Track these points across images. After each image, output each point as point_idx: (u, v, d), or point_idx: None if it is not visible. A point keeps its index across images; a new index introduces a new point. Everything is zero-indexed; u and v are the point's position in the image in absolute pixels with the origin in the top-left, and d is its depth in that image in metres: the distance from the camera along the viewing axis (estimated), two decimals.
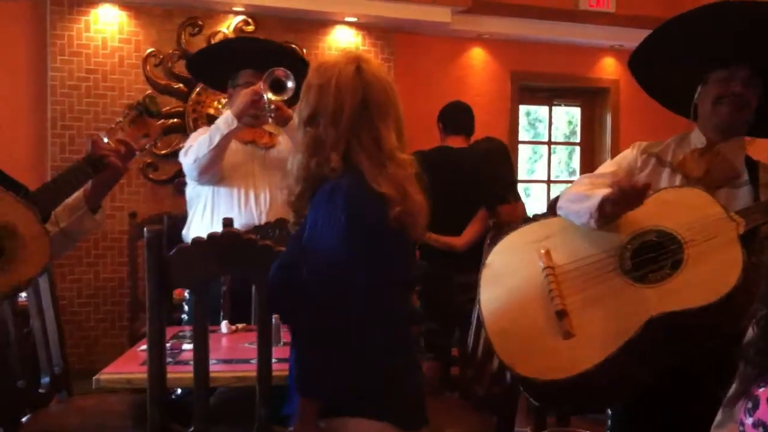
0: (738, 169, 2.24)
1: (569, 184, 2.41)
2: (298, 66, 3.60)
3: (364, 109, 1.77)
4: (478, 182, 4.05)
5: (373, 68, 1.79)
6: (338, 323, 1.66)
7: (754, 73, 2.21)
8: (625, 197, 2.04)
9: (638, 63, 2.38)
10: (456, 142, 4.17)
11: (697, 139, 2.29)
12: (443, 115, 4.26)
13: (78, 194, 2.04)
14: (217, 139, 3.23)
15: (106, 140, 2.07)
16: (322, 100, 1.77)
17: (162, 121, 5.27)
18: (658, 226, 2.12)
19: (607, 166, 2.40)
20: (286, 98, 3.25)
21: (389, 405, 1.75)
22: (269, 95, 3.21)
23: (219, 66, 3.58)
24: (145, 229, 2.04)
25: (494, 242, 2.54)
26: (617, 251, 2.14)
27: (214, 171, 3.34)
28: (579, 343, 2.05)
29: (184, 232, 3.48)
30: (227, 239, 2.07)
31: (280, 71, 3.23)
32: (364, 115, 1.77)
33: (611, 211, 2.09)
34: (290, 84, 3.22)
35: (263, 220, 3.33)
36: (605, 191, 2.11)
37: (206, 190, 3.40)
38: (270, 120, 3.33)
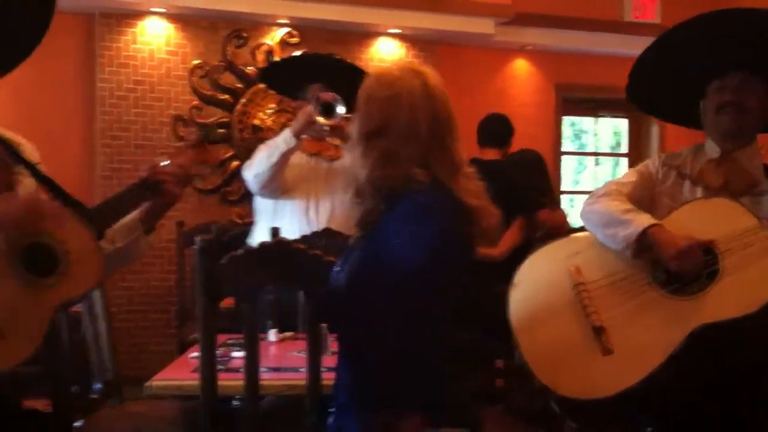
0: (756, 177, 2.22)
1: (597, 188, 2.38)
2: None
3: (436, 124, 1.77)
4: (511, 193, 4.04)
5: (436, 81, 1.81)
6: (421, 334, 1.66)
7: (749, 76, 2.19)
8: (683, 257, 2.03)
9: (639, 78, 2.37)
10: (489, 154, 4.16)
11: (711, 149, 2.28)
12: (479, 128, 4.26)
13: (134, 215, 2.05)
14: (276, 156, 3.31)
15: (166, 162, 2.08)
16: (393, 113, 1.77)
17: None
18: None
19: (630, 175, 2.38)
20: (336, 122, 3.29)
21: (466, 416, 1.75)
22: (320, 119, 3.27)
23: (291, 77, 3.63)
24: (197, 238, 2.07)
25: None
26: (649, 264, 2.12)
27: (274, 186, 3.40)
28: (619, 359, 2.03)
29: (248, 241, 3.55)
30: (277, 248, 2.09)
31: (327, 95, 3.28)
32: (437, 129, 1.78)
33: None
34: (339, 108, 3.27)
35: None
36: (643, 219, 2.09)
37: (270, 201, 3.46)
38: (330, 136, 3.39)
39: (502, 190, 3.98)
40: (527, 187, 4.15)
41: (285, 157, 3.33)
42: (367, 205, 1.82)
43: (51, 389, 2.46)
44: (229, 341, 2.81)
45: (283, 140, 3.34)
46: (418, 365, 1.65)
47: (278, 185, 3.42)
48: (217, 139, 2.20)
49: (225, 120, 5.47)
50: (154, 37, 5.34)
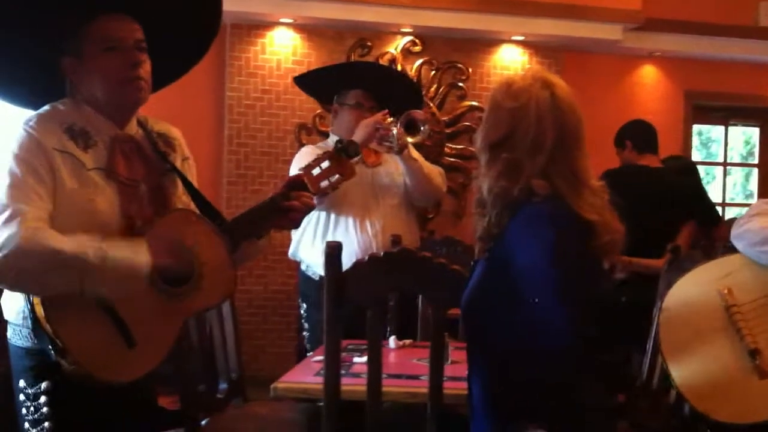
0: None
1: (746, 208, 2.30)
2: (409, 92, 3.64)
3: (562, 137, 1.74)
4: (680, 201, 3.93)
5: (565, 93, 1.77)
6: (550, 344, 1.63)
7: None
8: None
9: None
10: (651, 161, 4.06)
11: None
12: (633, 134, 4.15)
13: None
14: None
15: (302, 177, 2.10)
16: (519, 124, 1.74)
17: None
18: None
19: None
20: (417, 140, 3.28)
21: None
22: (407, 138, 3.26)
23: (329, 81, 3.64)
24: (325, 243, 2.10)
25: (672, 269, 2.44)
26: None
27: (330, 200, 3.33)
28: None
29: (291, 251, 3.54)
30: (403, 256, 2.09)
31: (418, 114, 3.26)
32: (562, 142, 1.75)
33: None
34: (424, 129, 3.25)
35: (378, 240, 3.34)
36: None
37: (321, 212, 3.44)
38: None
39: (667, 199, 3.91)
40: (699, 197, 4.07)
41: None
42: (490, 217, 1.80)
43: (179, 387, 2.55)
44: (350, 346, 2.83)
45: None
46: (548, 376, 1.62)
47: (332, 205, 3.35)
48: (358, 153, 2.19)
49: None
50: (282, 47, 5.48)
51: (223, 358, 2.90)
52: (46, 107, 1.90)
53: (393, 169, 3.48)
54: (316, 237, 3.41)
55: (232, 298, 2.98)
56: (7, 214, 1.70)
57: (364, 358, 2.28)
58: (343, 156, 2.11)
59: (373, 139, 3.30)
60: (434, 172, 3.51)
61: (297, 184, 2.07)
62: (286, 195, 2.03)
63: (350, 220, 3.37)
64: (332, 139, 3.39)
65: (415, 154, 3.41)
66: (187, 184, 2.03)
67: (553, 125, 1.73)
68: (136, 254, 1.77)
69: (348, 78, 3.59)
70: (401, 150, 3.33)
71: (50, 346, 1.71)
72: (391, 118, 3.30)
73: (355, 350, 2.73)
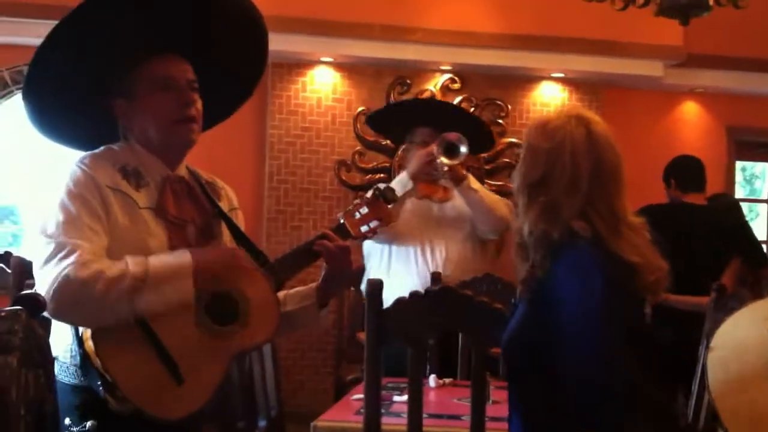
0: None
1: None
2: (478, 129, 3.66)
3: (599, 175, 1.71)
4: (724, 238, 3.87)
5: (601, 129, 1.74)
6: (594, 389, 1.61)
7: None
8: None
9: None
10: (695, 199, 4.02)
11: None
12: (677, 171, 4.12)
13: (312, 286, 2.10)
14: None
15: (342, 221, 2.11)
16: (555, 164, 1.72)
17: (369, 176, 5.47)
18: None
19: None
20: (458, 162, 3.28)
21: None
22: (443, 159, 3.26)
23: (399, 121, 3.67)
24: (365, 280, 2.10)
25: (718, 308, 2.40)
26: None
27: (390, 233, 3.37)
28: None
29: (362, 286, 3.54)
30: (444, 294, 2.08)
31: (453, 136, 3.28)
32: (599, 181, 1.71)
33: None
34: (463, 149, 3.26)
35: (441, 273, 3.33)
36: None
37: (383, 246, 3.46)
38: (444, 179, 3.38)
39: (711, 236, 3.86)
40: (747, 236, 4.01)
41: (401, 199, 3.31)
42: (532, 260, 1.78)
43: (221, 424, 2.55)
44: (390, 384, 2.81)
45: (399, 182, 3.34)
46: (593, 418, 1.59)
47: (392, 230, 3.39)
48: (395, 199, 2.20)
49: (385, 165, 5.58)
50: (323, 85, 5.55)
51: (262, 394, 2.90)
52: (101, 148, 1.93)
53: (461, 203, 3.49)
54: (380, 270, 3.44)
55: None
56: (65, 251, 1.72)
57: (404, 397, 2.26)
58: (380, 200, 2.12)
59: (423, 172, 3.32)
60: (498, 202, 3.51)
61: (341, 228, 2.08)
62: (321, 237, 2.04)
63: (412, 254, 3.39)
64: (400, 176, 3.41)
65: (475, 185, 3.42)
66: (235, 229, 2.05)
67: (590, 163, 1.71)
68: (177, 257, 1.80)
69: (416, 116, 3.64)
70: (459, 181, 3.35)
71: (99, 382, 1.72)
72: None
73: (394, 388, 2.72)
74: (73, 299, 1.69)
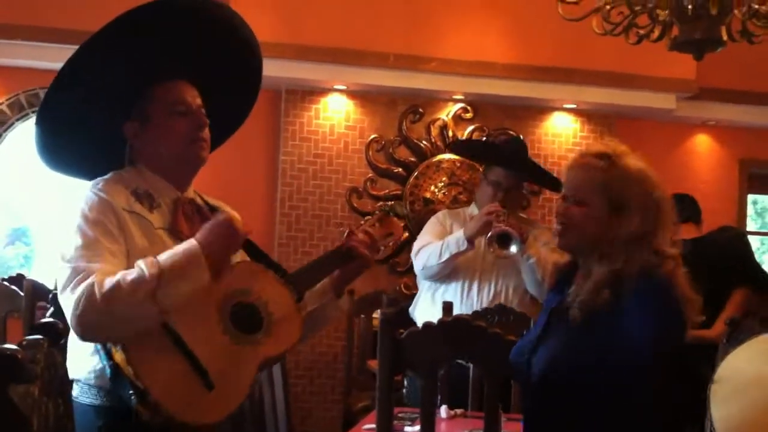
0: None
1: None
2: (547, 180, 3.75)
3: (661, 206, 1.85)
4: (725, 270, 3.85)
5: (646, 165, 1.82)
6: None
7: None
8: None
9: None
10: (687, 232, 4.00)
11: None
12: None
13: (325, 281, 2.15)
14: (446, 257, 3.39)
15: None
16: (632, 198, 1.85)
17: (380, 203, 5.48)
18: None
19: None
20: (504, 256, 3.31)
21: None
22: (496, 249, 3.29)
23: (479, 153, 3.85)
24: (380, 310, 2.10)
25: (731, 342, 2.38)
26: None
27: (441, 276, 3.46)
28: None
29: (410, 309, 3.60)
30: (457, 325, 2.08)
31: (500, 229, 3.29)
32: (661, 215, 1.84)
33: None
34: (514, 249, 3.27)
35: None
36: None
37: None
38: None
39: (712, 268, 3.86)
40: (754, 264, 4.00)
41: (455, 258, 3.39)
42: (592, 288, 1.81)
43: None
44: (401, 414, 2.80)
45: (455, 242, 3.39)
46: None
47: (445, 274, 3.45)
48: (402, 214, 2.29)
49: (397, 192, 5.58)
50: (335, 112, 5.58)
51: (273, 422, 2.89)
52: (109, 174, 1.97)
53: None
54: (426, 298, 3.53)
55: (283, 362, 3.00)
56: (83, 274, 1.75)
57: (416, 428, 2.25)
58: (391, 215, 2.22)
59: (482, 232, 3.34)
60: (549, 271, 3.52)
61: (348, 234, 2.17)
62: (350, 234, 2.14)
63: (459, 290, 3.43)
64: (458, 234, 3.44)
65: (532, 249, 3.42)
66: (249, 244, 2.09)
67: (652, 197, 1.84)
68: (184, 246, 1.82)
69: (494, 154, 3.72)
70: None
71: (131, 392, 1.72)
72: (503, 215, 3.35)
73: (405, 418, 2.70)
74: (98, 315, 1.72)
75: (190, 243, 1.83)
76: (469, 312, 3.34)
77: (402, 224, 2.33)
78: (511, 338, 2.00)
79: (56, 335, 1.25)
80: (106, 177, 1.96)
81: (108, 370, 1.76)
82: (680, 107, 5.73)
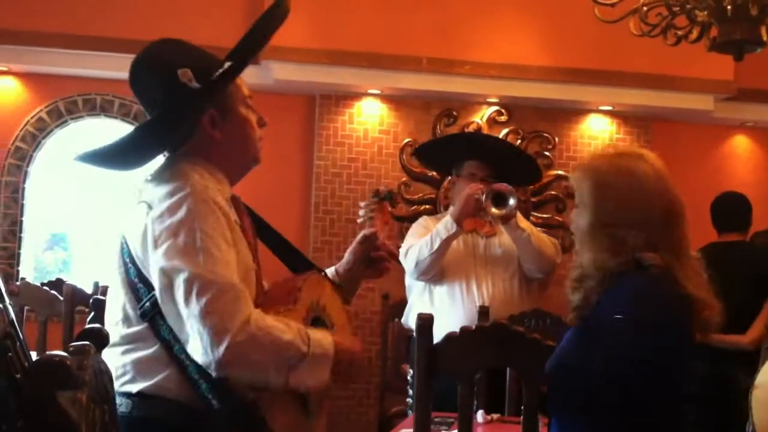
0: None
1: None
2: (524, 163, 3.66)
3: (669, 209, 1.78)
4: (763, 276, 3.80)
5: (662, 165, 1.81)
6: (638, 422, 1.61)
7: None
8: None
9: None
10: (731, 238, 3.96)
11: None
12: (713, 212, 4.08)
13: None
14: (437, 244, 3.34)
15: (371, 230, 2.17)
16: (624, 203, 1.77)
17: (414, 207, 5.48)
18: None
19: None
20: (506, 213, 3.28)
21: None
22: (492, 210, 3.26)
23: (445, 153, 3.69)
24: (416, 315, 2.10)
25: None
26: None
27: (435, 271, 3.40)
28: None
29: (403, 319, 3.55)
30: (495, 330, 2.07)
31: (503, 186, 3.27)
32: (669, 215, 1.77)
33: None
34: (512, 201, 3.25)
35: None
36: None
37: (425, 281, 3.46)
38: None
39: (749, 273, 3.81)
40: None
41: (446, 243, 3.35)
42: (586, 289, 1.80)
43: None
44: (437, 419, 2.79)
45: (443, 227, 3.36)
46: None
47: (438, 270, 3.40)
48: (395, 203, 2.31)
49: (431, 196, 5.57)
50: (369, 117, 5.58)
51: None
52: (187, 171, 1.80)
53: (508, 240, 3.48)
54: (423, 304, 3.44)
55: None
56: (232, 293, 1.64)
57: None
58: (384, 202, 2.24)
59: (469, 210, 3.31)
60: (546, 242, 3.50)
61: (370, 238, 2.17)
62: (373, 245, 2.15)
63: (457, 289, 3.39)
64: (444, 219, 3.43)
65: (523, 223, 3.41)
66: (284, 242, 2.14)
67: (659, 200, 1.77)
68: (327, 341, 1.77)
69: (463, 149, 3.66)
70: (507, 219, 3.34)
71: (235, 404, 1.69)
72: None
73: (441, 423, 2.70)
74: (245, 357, 1.62)
75: (329, 347, 1.76)
76: (474, 310, 3.30)
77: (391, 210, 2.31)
78: (550, 343, 1.98)
79: (102, 341, 1.25)
80: (192, 180, 1.76)
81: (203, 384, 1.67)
82: (718, 108, 5.65)
